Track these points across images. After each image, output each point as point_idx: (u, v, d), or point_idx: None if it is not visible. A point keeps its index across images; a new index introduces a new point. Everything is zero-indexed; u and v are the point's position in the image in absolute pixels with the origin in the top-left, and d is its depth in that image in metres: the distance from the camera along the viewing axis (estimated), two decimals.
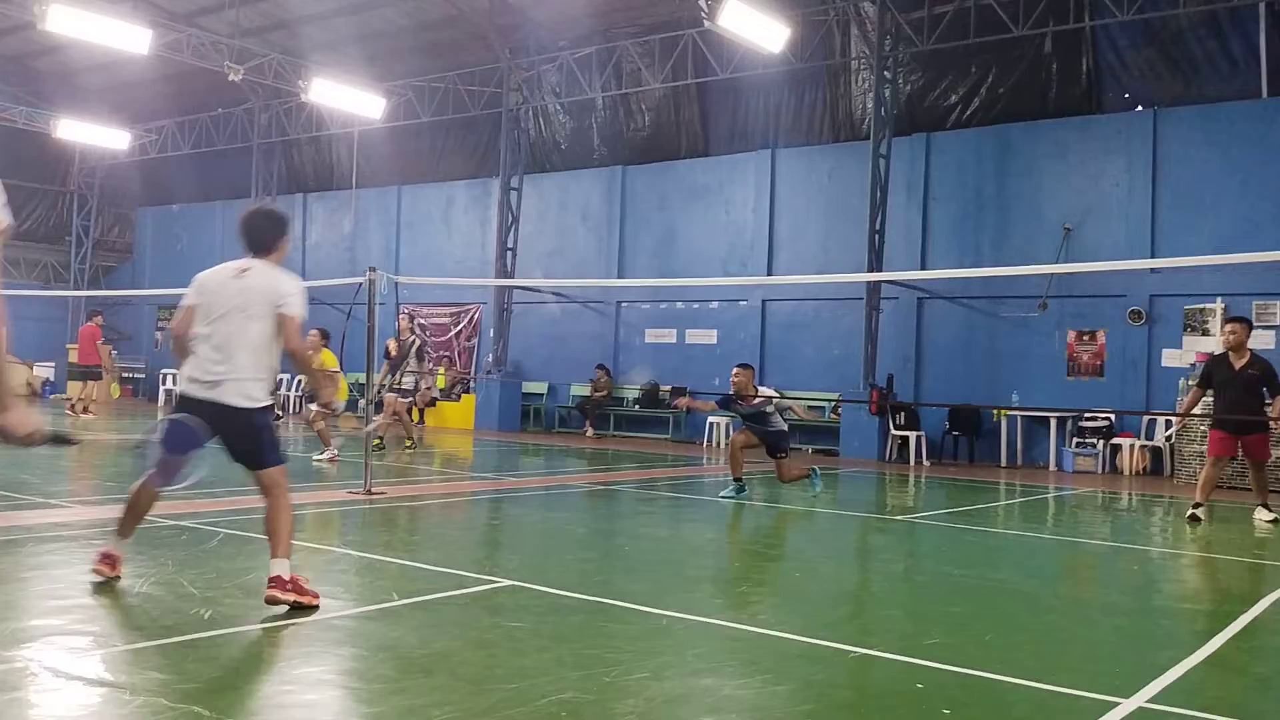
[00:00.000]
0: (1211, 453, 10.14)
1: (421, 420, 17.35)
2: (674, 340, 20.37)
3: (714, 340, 19.77)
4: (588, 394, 20.56)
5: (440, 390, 21.01)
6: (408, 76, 21.95)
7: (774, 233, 19.32)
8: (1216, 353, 10.99)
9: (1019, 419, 16.34)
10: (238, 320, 5.02)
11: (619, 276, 20.76)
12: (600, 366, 20.54)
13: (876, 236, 16.79)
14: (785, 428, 10.67)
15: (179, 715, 3.45)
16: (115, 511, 5.51)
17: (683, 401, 12.12)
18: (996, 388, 16.71)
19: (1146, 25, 15.71)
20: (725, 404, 10.83)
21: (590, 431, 20.14)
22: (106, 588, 5.22)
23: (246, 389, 5.02)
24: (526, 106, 21.24)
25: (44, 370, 27.09)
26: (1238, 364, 9.88)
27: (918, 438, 16.61)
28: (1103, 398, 15.96)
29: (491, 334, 21.46)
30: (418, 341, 14.97)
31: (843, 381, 17.62)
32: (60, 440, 3.44)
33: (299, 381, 21.36)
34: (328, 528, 7.92)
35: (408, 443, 14.69)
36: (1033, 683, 4.23)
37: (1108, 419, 15.71)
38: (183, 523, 7.20)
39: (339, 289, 21.21)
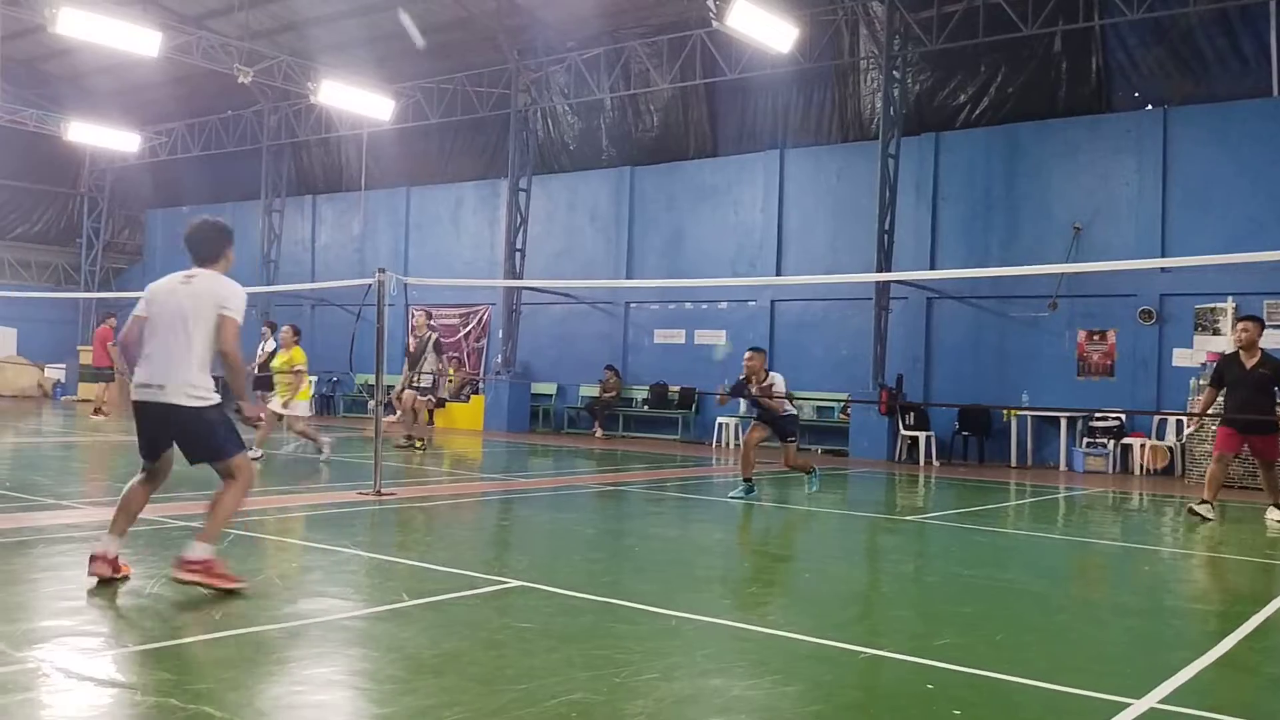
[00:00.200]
0: (1217, 448, 10.14)
1: (431, 421, 17.35)
2: (683, 341, 20.36)
3: (723, 340, 19.75)
4: (597, 395, 20.57)
5: (448, 393, 21.00)
6: (416, 78, 21.99)
7: (783, 233, 19.30)
8: (1228, 352, 10.97)
9: (1029, 419, 16.31)
10: (183, 325, 5.29)
11: (628, 277, 20.76)
12: (609, 367, 20.54)
13: (885, 236, 16.76)
14: (795, 412, 11.16)
15: (190, 716, 3.46)
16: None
17: (724, 397, 12.09)
18: (1006, 388, 16.66)
19: (1156, 24, 15.66)
20: (738, 390, 10.89)
21: (599, 432, 20.15)
22: (117, 588, 5.25)
23: (193, 390, 5.25)
24: (535, 107, 21.27)
25: (55, 372, 27.19)
26: (1249, 363, 9.86)
27: (927, 438, 16.58)
28: (1113, 397, 15.90)
29: (500, 335, 21.49)
30: (434, 336, 14.95)
31: (852, 382, 17.59)
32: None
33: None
34: (338, 528, 7.94)
35: (418, 443, 14.66)
36: (1043, 683, 4.21)
37: (1118, 419, 15.65)
38: (193, 524, 7.19)
39: (348, 290, 21.46)
